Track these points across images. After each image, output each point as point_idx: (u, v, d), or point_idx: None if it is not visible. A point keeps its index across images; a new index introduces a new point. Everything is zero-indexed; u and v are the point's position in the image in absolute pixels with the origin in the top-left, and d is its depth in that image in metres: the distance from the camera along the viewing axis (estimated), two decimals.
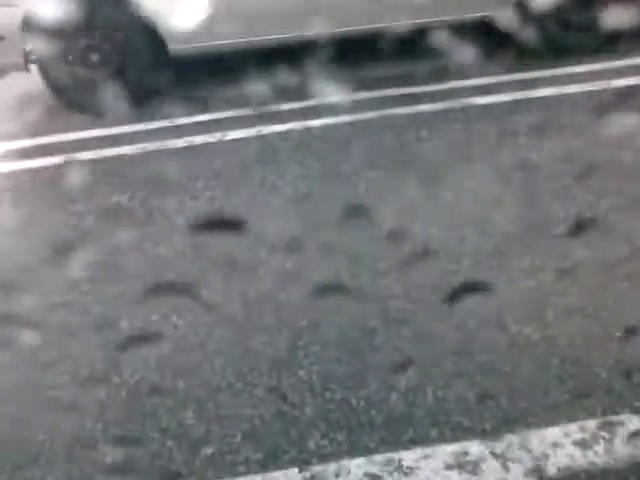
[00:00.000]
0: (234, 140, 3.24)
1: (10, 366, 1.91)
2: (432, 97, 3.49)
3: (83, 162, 3.15)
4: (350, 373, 1.80)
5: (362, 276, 2.18)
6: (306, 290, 2.12)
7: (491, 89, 3.51)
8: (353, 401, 1.71)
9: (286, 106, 3.55)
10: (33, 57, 3.59)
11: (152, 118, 3.53)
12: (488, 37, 3.76)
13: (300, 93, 3.67)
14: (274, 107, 3.54)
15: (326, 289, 2.12)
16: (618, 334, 1.81)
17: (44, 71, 3.66)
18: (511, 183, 2.62)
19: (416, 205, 2.53)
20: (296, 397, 1.74)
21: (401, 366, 1.80)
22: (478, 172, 2.73)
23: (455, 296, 2.00)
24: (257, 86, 3.79)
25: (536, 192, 2.55)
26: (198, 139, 3.28)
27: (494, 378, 1.74)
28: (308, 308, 2.05)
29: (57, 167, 3.14)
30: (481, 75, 3.65)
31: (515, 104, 3.33)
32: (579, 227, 2.27)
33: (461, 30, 3.62)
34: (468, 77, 3.67)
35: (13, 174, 3.16)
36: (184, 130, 3.38)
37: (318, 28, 3.75)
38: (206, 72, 3.93)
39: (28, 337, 1.90)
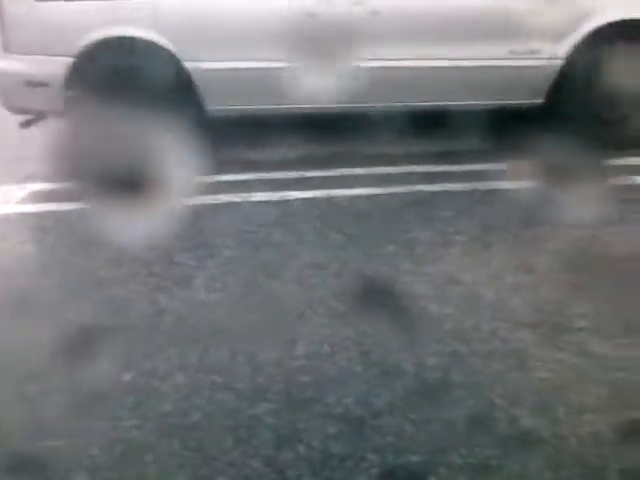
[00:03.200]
0: (258, 202, 3.26)
1: None
2: (459, 177, 3.52)
3: (110, 210, 3.18)
4: (351, 452, 1.74)
5: (373, 351, 2.14)
6: (313, 359, 2.10)
7: (516, 174, 3.52)
8: None
9: (311, 173, 3.59)
10: (74, 105, 3.68)
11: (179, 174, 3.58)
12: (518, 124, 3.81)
13: (327, 162, 3.73)
14: (300, 173, 3.59)
15: (333, 359, 2.09)
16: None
17: (79, 120, 3.75)
18: (532, 272, 2.60)
19: (430, 283, 2.51)
20: (294, 473, 1.69)
21: (403, 451, 1.74)
22: (498, 257, 2.71)
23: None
24: (285, 151, 3.87)
25: (556, 283, 2.52)
26: (223, 198, 3.32)
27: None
28: (314, 378, 2.01)
29: (83, 212, 3.17)
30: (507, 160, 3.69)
31: (537, 191, 3.32)
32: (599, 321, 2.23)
33: (491, 115, 3.68)
34: (495, 161, 3.71)
35: (38, 215, 3.21)
36: (210, 188, 3.42)
37: (351, 101, 3.84)
38: (236, 133, 4.01)
39: None
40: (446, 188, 3.38)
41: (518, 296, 2.43)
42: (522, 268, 2.62)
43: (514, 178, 3.47)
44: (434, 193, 3.32)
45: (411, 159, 3.77)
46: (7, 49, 3.72)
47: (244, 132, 3.99)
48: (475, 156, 3.77)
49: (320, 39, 3.69)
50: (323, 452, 1.75)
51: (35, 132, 3.90)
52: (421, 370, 2.04)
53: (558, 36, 3.79)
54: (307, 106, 3.87)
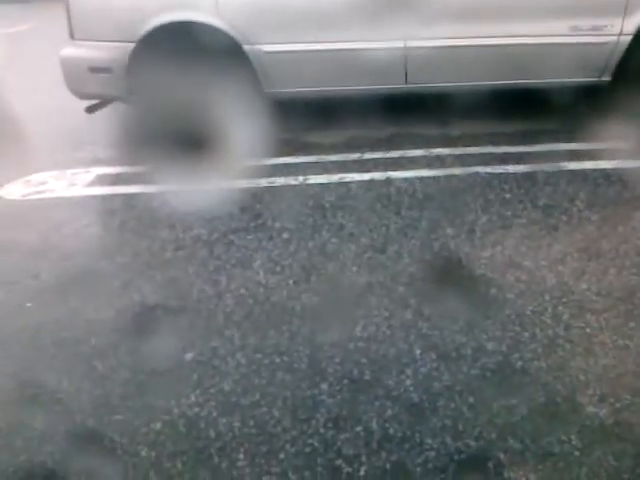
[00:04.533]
0: (316, 184, 3.27)
1: None
2: (519, 158, 3.43)
3: (173, 193, 3.25)
4: (408, 434, 1.75)
5: (432, 334, 2.12)
6: (372, 341, 2.10)
7: (582, 155, 3.42)
8: (409, 466, 1.66)
9: (370, 155, 3.57)
10: (137, 90, 3.75)
11: (239, 156, 3.62)
12: (583, 103, 3.69)
13: (385, 144, 3.70)
14: (358, 155, 3.57)
15: (392, 342, 2.09)
16: None
17: (142, 104, 3.82)
18: (594, 254, 2.52)
19: (490, 267, 2.47)
20: (351, 453, 1.71)
21: (461, 435, 1.73)
22: (561, 239, 2.65)
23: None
24: (343, 133, 3.86)
25: (622, 264, 2.44)
26: (280, 180, 3.34)
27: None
28: (373, 360, 2.02)
29: (147, 195, 3.25)
30: (573, 141, 3.58)
31: (606, 173, 3.22)
32: None
33: (554, 94, 3.57)
34: (559, 141, 3.61)
35: (103, 198, 3.31)
36: (267, 170, 3.45)
37: (410, 81, 3.79)
38: (294, 116, 4.01)
39: None
40: (508, 170, 3.31)
41: (583, 281, 2.36)
42: (588, 252, 2.55)
43: (580, 159, 3.37)
44: (495, 175, 3.25)
45: (472, 140, 3.70)
46: (72, 36, 3.82)
47: (302, 114, 3.99)
48: (539, 136, 3.68)
49: (378, 19, 3.65)
50: (381, 434, 1.76)
51: (100, 117, 4.01)
52: (481, 354, 2.02)
53: (626, 11, 3.63)
54: (365, 87, 3.84)
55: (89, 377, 2.01)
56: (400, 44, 3.70)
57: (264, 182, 3.33)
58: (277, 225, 2.88)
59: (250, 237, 2.80)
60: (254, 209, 3.06)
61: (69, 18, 3.78)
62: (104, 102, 4.00)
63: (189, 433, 1.80)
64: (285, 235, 2.79)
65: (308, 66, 3.77)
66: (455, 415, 1.80)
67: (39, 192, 3.38)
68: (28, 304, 2.40)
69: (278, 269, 2.54)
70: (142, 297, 2.40)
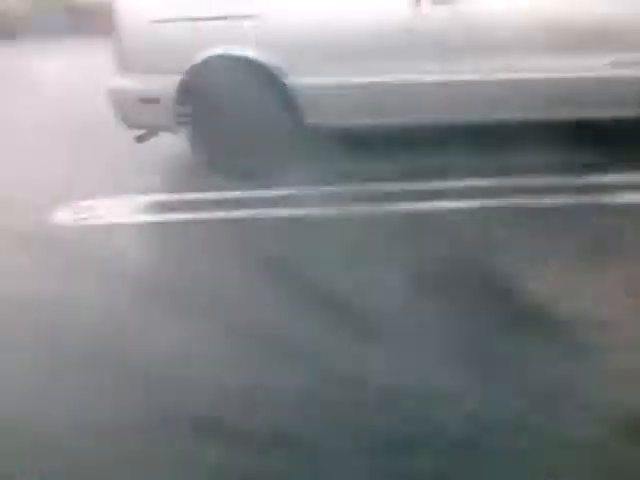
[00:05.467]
0: (358, 216, 3.29)
1: None
2: (562, 191, 3.41)
3: (217, 219, 3.31)
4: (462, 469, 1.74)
5: (465, 375, 2.11)
6: (410, 377, 2.10)
7: (627, 188, 3.40)
8: None
9: (415, 186, 3.57)
10: (184, 120, 3.85)
11: (279, 185, 3.67)
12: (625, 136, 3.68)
13: (431, 174, 3.70)
14: (403, 186, 3.59)
15: (431, 378, 2.09)
16: None
17: (192, 134, 3.91)
18: None
19: (533, 302, 2.47)
20: None
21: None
22: (611, 273, 2.63)
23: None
24: (386, 164, 3.88)
25: None
26: (316, 211, 3.35)
27: None
28: (408, 395, 2.01)
29: (197, 222, 3.33)
30: (617, 173, 3.56)
31: None
32: None
33: (596, 128, 3.57)
34: (603, 174, 3.59)
35: (154, 225, 3.39)
36: (306, 200, 3.47)
37: (450, 114, 3.83)
38: (333, 147, 4.07)
39: None
40: (547, 203, 3.28)
41: (631, 319, 2.34)
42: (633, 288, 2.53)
43: (625, 192, 3.35)
44: (533, 208, 3.23)
45: (509, 172, 3.67)
46: (123, 67, 3.94)
47: (340, 145, 4.04)
48: (584, 169, 3.63)
49: (418, 53, 3.71)
50: (435, 469, 1.75)
51: (150, 145, 4.10)
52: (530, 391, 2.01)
53: None
54: (405, 120, 3.89)
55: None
56: (440, 77, 3.74)
57: (301, 212, 3.34)
58: (316, 257, 2.89)
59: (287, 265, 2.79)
60: (290, 241, 3.09)
61: (120, 49, 3.90)
62: (153, 131, 4.11)
63: None
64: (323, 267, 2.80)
65: (347, 99, 3.83)
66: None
67: (88, 218, 3.46)
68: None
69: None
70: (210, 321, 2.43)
